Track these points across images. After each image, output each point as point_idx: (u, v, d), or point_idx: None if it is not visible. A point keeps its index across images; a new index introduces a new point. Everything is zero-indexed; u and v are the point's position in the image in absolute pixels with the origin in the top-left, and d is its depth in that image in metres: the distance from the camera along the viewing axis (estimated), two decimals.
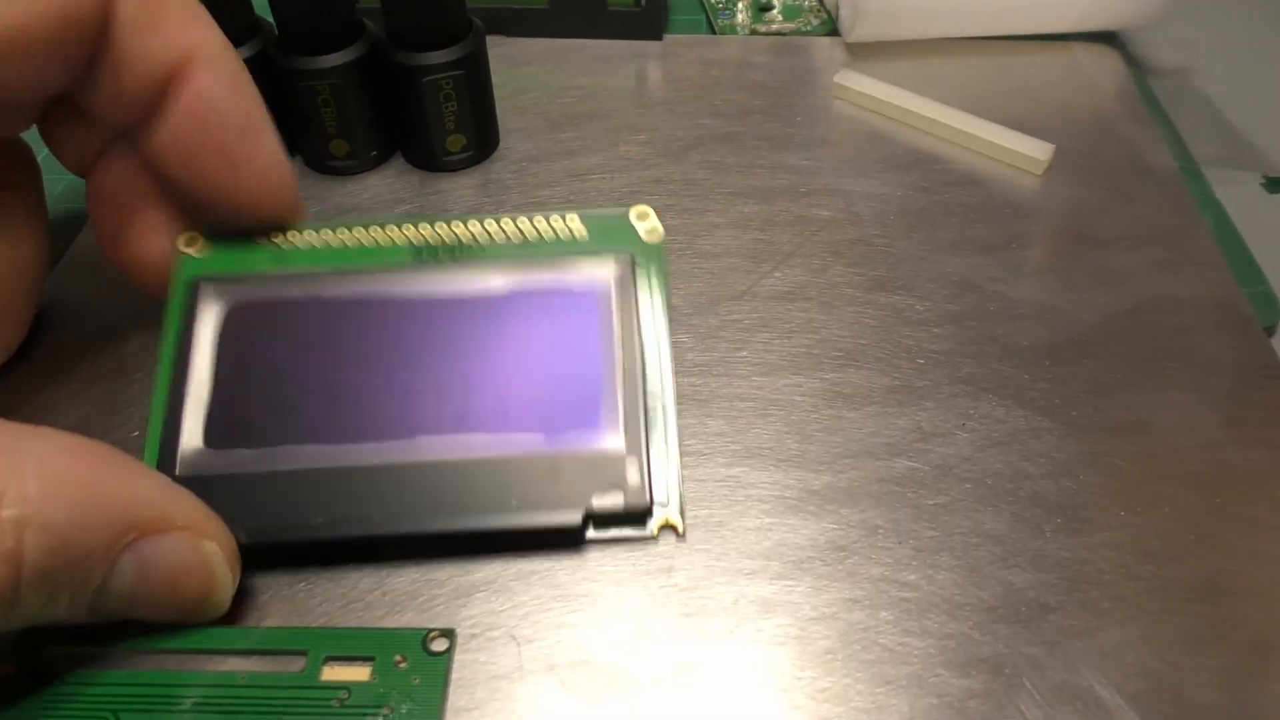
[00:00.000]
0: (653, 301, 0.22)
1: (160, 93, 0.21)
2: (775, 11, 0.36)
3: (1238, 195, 0.29)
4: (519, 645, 0.19)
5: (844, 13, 0.33)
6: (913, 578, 0.20)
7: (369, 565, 0.20)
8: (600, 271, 0.22)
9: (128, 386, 0.23)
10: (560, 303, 0.21)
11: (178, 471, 0.20)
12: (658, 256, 0.22)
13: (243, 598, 0.19)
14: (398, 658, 0.18)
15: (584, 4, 0.34)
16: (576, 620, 0.19)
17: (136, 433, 0.22)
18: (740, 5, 0.36)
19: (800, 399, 0.23)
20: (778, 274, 0.26)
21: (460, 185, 0.29)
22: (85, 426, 0.22)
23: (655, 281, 0.22)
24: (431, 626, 0.19)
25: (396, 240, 0.23)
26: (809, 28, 0.35)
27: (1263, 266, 0.27)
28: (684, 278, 0.25)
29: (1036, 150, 0.28)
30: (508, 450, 0.20)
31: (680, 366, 0.23)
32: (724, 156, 0.29)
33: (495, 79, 0.29)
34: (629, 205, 0.23)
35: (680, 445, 0.21)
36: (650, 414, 0.21)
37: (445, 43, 0.27)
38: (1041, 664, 0.18)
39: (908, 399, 0.23)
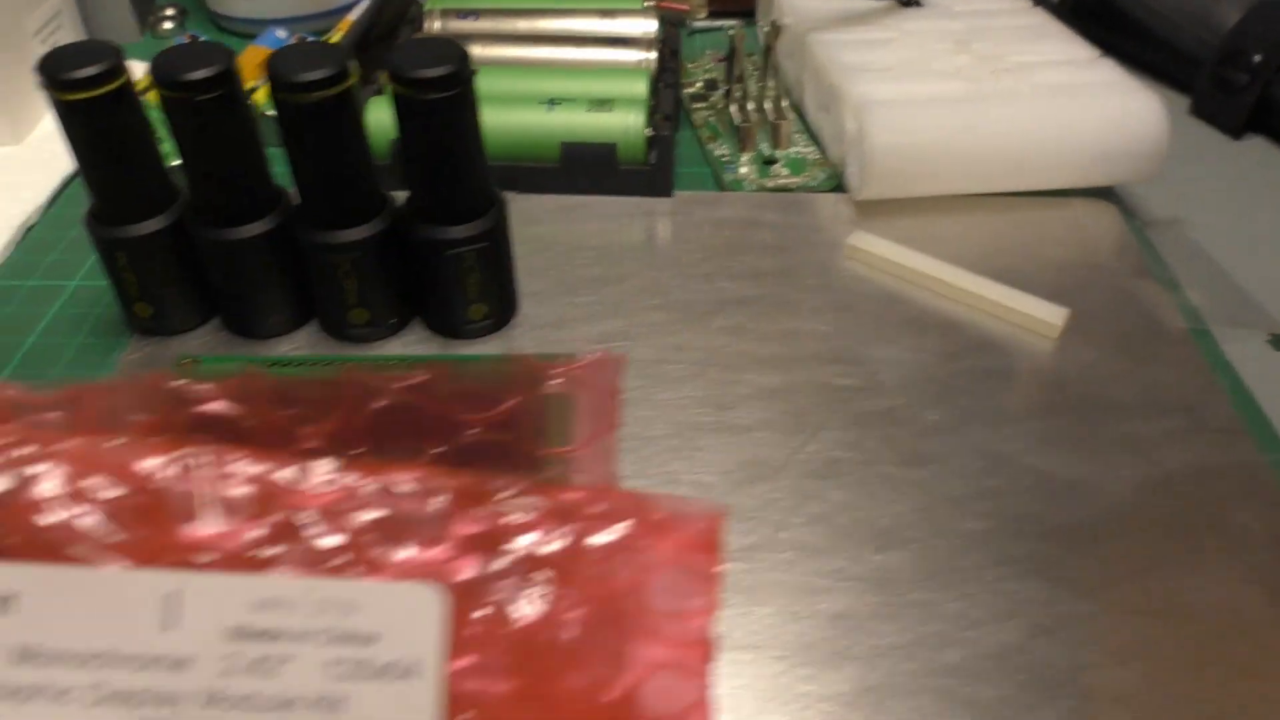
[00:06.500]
0: None
1: None
2: (780, 165, 0.36)
3: (1245, 353, 0.30)
4: None
5: (851, 171, 0.34)
6: None
7: None
8: None
9: None
10: None
11: None
12: None
13: None
14: None
15: (594, 161, 0.34)
16: None
17: None
18: (744, 158, 0.37)
19: (845, 584, 0.23)
20: (810, 448, 0.26)
21: (479, 352, 0.29)
22: None
23: None
24: None
25: None
26: (815, 182, 0.35)
27: (1279, 430, 0.27)
28: (718, 451, 0.25)
29: (1051, 315, 0.29)
30: None
31: (726, 551, 0.23)
32: (744, 321, 0.29)
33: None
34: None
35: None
36: None
37: (469, 216, 0.27)
38: None
39: (951, 582, 0.23)
